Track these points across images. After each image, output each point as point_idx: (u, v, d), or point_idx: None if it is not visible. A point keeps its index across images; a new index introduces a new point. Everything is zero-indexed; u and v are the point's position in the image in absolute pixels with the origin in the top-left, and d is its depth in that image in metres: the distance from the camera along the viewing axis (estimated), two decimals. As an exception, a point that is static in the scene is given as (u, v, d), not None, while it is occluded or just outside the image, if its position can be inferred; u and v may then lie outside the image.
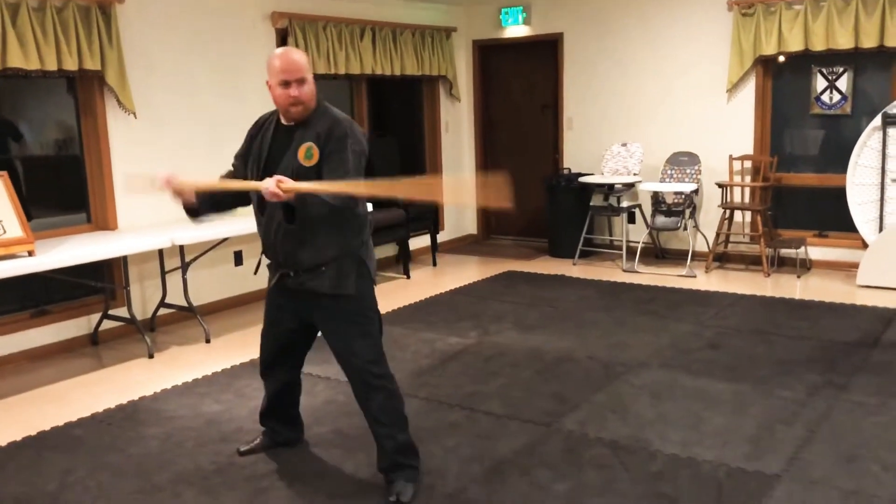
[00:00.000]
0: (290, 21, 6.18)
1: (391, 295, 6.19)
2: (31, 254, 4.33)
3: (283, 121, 2.95)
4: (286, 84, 2.82)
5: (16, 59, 4.56)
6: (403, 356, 4.66)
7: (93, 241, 4.83)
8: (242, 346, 4.94)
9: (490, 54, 8.18)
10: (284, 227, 2.90)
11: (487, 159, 8.38)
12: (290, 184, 2.68)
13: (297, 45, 6.19)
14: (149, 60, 5.32)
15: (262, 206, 2.93)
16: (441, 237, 8.05)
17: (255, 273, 3.36)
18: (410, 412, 3.60)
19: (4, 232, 4.29)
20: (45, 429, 3.76)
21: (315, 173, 2.86)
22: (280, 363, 3.27)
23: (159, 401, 4.11)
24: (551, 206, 7.52)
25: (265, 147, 2.96)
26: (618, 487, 3.04)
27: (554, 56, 7.70)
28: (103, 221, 5.26)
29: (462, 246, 8.22)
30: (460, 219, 8.38)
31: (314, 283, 2.94)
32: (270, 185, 2.66)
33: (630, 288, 6.20)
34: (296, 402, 3.43)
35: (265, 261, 3.15)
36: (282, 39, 6.19)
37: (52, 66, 4.71)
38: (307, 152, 2.86)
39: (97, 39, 4.93)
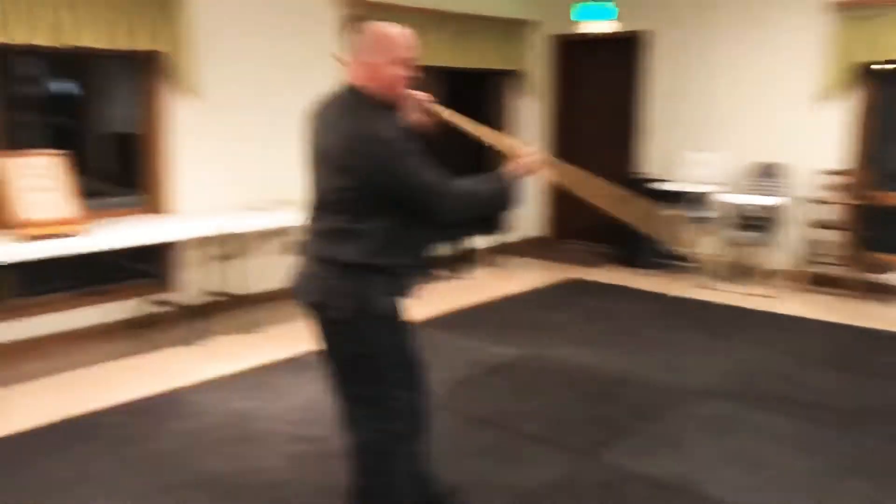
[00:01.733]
0: (360, 7, 6.02)
1: (442, 296, 5.97)
2: (81, 234, 4.30)
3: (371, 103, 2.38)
4: (405, 63, 2.37)
5: (88, 38, 4.55)
6: (440, 364, 4.43)
7: (146, 224, 4.80)
8: (287, 339, 4.81)
9: (569, 49, 7.84)
10: None
11: (562, 158, 8.01)
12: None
13: (366, 34, 6.04)
14: (216, 44, 5.24)
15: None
16: (508, 238, 7.79)
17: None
18: (437, 426, 3.39)
19: (58, 211, 4.27)
20: (75, 414, 3.71)
21: None
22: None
23: (190, 393, 4.01)
24: (625, 212, 7.14)
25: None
26: (657, 535, 2.74)
27: (636, 54, 7.31)
28: (161, 204, 5.22)
29: (530, 248, 7.92)
30: (530, 220, 8.09)
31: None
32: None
33: (701, 305, 5.80)
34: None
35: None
36: (349, 27, 6.03)
37: (123, 45, 4.68)
38: None
39: (168, 20, 4.88)
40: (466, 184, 2.44)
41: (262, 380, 4.19)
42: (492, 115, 7.70)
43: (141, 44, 4.75)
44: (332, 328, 2.42)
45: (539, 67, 7.86)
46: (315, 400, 3.82)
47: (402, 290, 2.48)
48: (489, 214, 2.59)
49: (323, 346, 2.49)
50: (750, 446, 3.43)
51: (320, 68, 5.61)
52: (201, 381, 4.15)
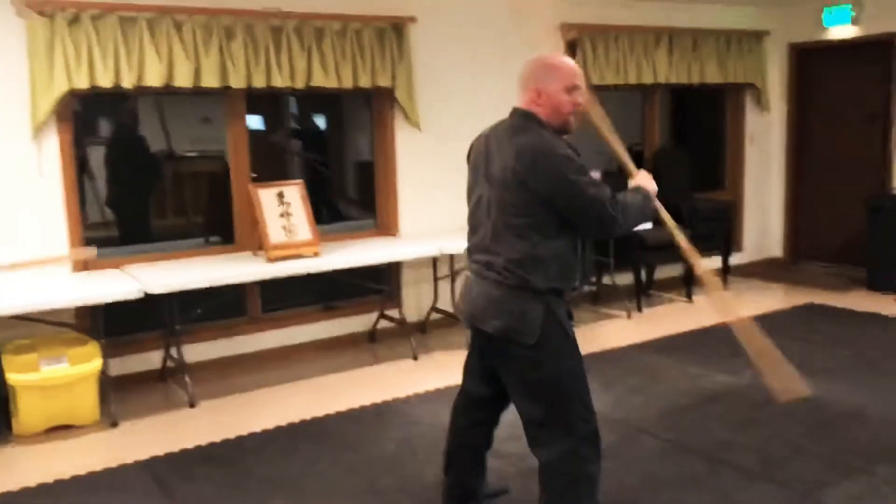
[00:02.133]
0: (580, 32, 6.07)
1: (666, 319, 5.80)
2: (316, 255, 4.75)
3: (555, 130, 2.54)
4: (576, 89, 2.53)
5: (319, 79, 5.04)
6: (658, 390, 4.31)
7: (373, 245, 5.18)
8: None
9: (809, 59, 7.29)
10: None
11: (799, 175, 7.50)
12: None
13: (585, 56, 6.08)
14: (436, 76, 5.55)
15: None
16: (739, 259, 7.38)
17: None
18: (647, 454, 3.35)
19: (297, 235, 4.77)
20: (307, 418, 4.10)
21: None
22: (464, 411, 2.97)
23: (409, 404, 4.26)
24: (873, 230, 6.50)
25: None
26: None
27: (886, 59, 6.64)
28: (387, 227, 5.61)
29: (764, 270, 7.44)
30: (763, 240, 7.61)
31: (483, 324, 2.58)
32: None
33: (964, 336, 5.12)
34: (477, 472, 2.99)
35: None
36: (571, 51, 6.10)
37: (348, 84, 5.13)
38: None
39: (390, 58, 5.26)
40: (623, 197, 2.52)
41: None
42: (726, 130, 7.36)
43: (365, 82, 5.12)
44: (517, 352, 2.48)
45: (776, 79, 7.40)
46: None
47: (571, 312, 2.56)
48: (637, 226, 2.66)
49: (502, 370, 2.57)
50: None
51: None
52: (420, 393, 4.40)
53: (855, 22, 6.78)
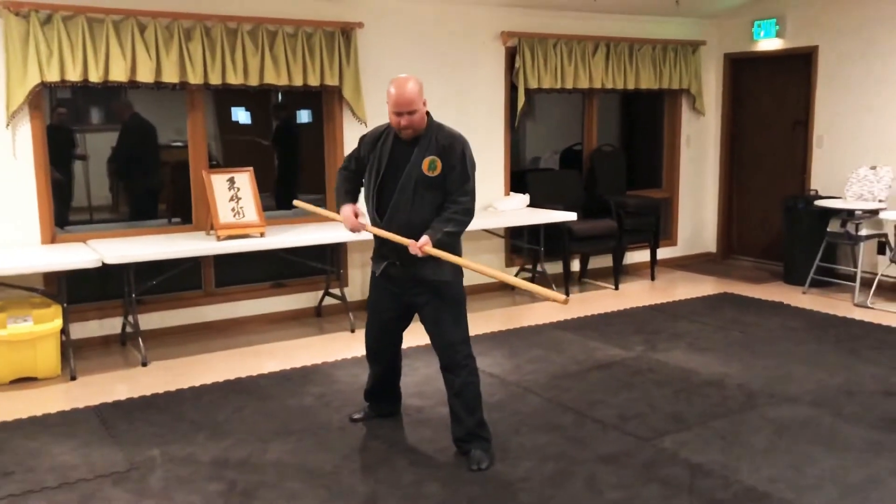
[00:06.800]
0: (520, 40, 6.62)
1: (588, 303, 6.36)
2: (262, 235, 5.31)
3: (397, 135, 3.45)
4: (398, 114, 3.35)
5: (271, 77, 5.60)
6: (555, 359, 4.88)
7: (320, 229, 5.71)
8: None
9: (741, 68, 7.86)
10: (402, 227, 3.39)
11: (732, 176, 8.06)
12: (428, 249, 3.31)
13: (524, 62, 6.60)
14: (381, 76, 6.07)
15: (381, 210, 3.45)
16: (673, 252, 7.95)
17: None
18: (527, 408, 3.93)
19: (244, 216, 5.33)
20: (242, 376, 4.66)
21: (437, 181, 3.40)
22: (384, 345, 3.77)
23: (334, 367, 4.82)
24: (788, 229, 7.07)
25: (384, 158, 3.46)
26: (670, 506, 3.05)
27: (807, 70, 7.20)
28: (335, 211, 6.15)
29: (696, 263, 8.00)
30: (698, 236, 8.16)
31: (419, 271, 3.43)
32: (414, 249, 3.31)
33: (846, 323, 5.67)
34: (398, 378, 3.93)
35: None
36: (510, 57, 6.66)
37: (298, 82, 5.69)
38: (431, 164, 3.40)
39: (338, 59, 5.82)
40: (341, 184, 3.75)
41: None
42: (665, 133, 7.91)
43: (313, 81, 5.68)
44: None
45: (712, 86, 7.95)
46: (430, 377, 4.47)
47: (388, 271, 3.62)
48: None
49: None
50: (807, 448, 3.55)
51: (483, 100, 6.27)
52: (348, 358, 4.95)
53: (779, 35, 7.34)
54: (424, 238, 3.31)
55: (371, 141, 3.57)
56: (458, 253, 3.47)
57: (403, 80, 3.36)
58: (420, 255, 3.31)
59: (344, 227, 3.66)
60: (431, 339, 3.55)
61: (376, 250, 3.61)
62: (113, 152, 6.26)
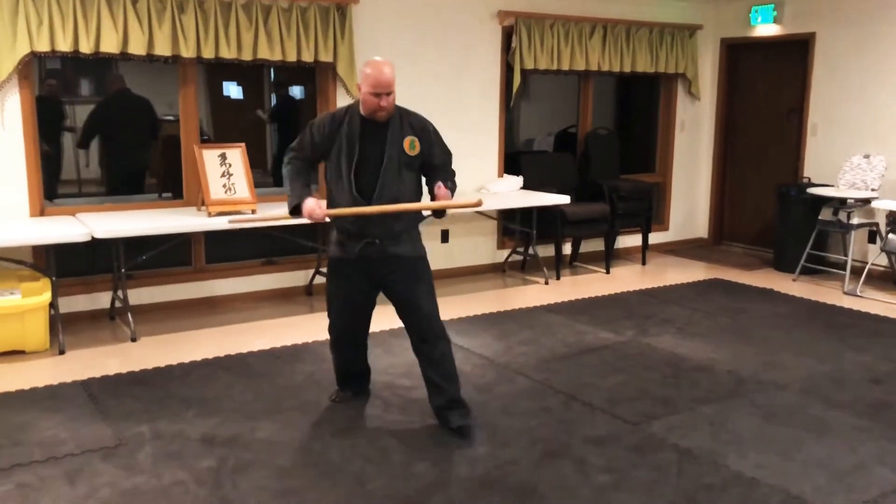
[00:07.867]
0: (517, 19, 6.57)
1: (579, 287, 6.36)
2: (253, 212, 5.27)
3: (364, 117, 3.44)
4: (377, 95, 3.34)
5: (264, 52, 5.53)
6: (545, 342, 4.88)
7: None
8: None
9: (738, 53, 7.83)
10: (391, 204, 3.41)
11: (725, 161, 8.06)
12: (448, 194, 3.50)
13: (521, 42, 6.56)
14: (377, 54, 6.01)
15: (363, 191, 3.43)
16: (665, 237, 7.96)
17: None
18: (516, 390, 3.95)
19: (235, 192, 5.28)
20: (232, 353, 4.64)
21: (414, 160, 3.49)
22: (359, 329, 3.80)
23: (325, 346, 4.77)
24: (780, 216, 7.08)
25: (356, 140, 3.44)
26: (658, 490, 3.06)
27: (804, 57, 7.18)
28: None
29: (688, 249, 8.02)
30: (690, 221, 8.17)
31: (396, 248, 3.48)
32: (443, 192, 3.47)
33: (835, 311, 5.70)
34: (366, 357, 3.96)
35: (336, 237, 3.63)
36: (507, 37, 6.60)
37: (291, 58, 5.62)
38: (411, 144, 3.48)
39: (332, 35, 5.76)
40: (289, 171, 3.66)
41: (378, 341, 4.85)
42: (660, 117, 7.89)
43: (307, 56, 5.62)
44: None
45: (708, 71, 7.92)
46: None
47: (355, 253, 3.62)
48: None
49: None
50: (795, 434, 3.57)
51: (478, 79, 6.22)
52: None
53: (777, 21, 7.31)
54: (442, 188, 3.44)
55: (328, 125, 3.50)
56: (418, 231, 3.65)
57: (381, 63, 3.37)
58: (449, 198, 3.45)
59: (308, 220, 3.58)
60: (406, 313, 3.58)
61: (347, 233, 3.54)
62: (89, 121, 6.12)
